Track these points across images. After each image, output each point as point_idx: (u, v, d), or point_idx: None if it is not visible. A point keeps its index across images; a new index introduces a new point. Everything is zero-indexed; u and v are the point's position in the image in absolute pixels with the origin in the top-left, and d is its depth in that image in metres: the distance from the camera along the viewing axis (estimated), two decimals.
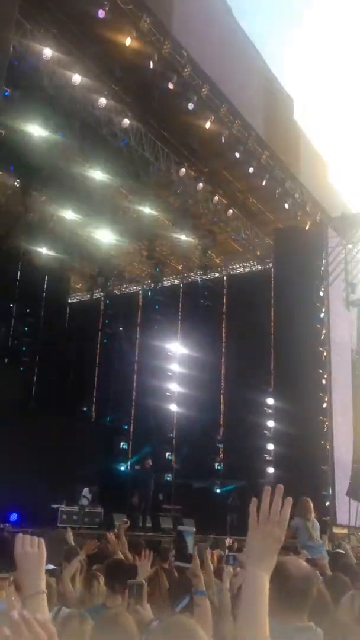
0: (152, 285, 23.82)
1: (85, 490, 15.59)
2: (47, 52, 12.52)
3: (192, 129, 15.35)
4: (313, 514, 8.49)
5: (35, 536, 1.86)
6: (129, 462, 22.02)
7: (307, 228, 18.97)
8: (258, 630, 1.61)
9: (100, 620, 3.11)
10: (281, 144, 16.96)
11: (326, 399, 17.89)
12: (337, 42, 46.05)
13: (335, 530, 16.43)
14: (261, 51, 17.02)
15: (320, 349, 18.19)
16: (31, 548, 1.81)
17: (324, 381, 18.01)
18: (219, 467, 21.13)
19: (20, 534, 1.86)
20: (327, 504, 16.63)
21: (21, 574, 1.80)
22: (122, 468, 21.86)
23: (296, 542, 8.38)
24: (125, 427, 23.06)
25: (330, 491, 17.02)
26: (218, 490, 20.44)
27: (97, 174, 16.14)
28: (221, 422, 21.68)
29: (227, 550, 8.63)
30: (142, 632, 2.70)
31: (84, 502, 15.25)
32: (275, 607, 2.51)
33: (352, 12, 41.46)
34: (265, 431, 19.89)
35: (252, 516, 1.71)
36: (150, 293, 24.11)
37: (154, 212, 18.21)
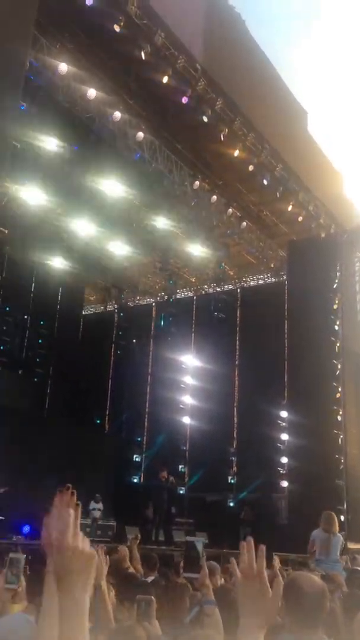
0: (166, 298, 23.86)
1: (92, 504, 15.54)
2: (63, 67, 12.69)
3: (206, 142, 15.43)
4: (337, 529, 8.18)
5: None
6: (141, 473, 21.98)
7: (321, 240, 18.92)
8: None
9: (115, 631, 3.08)
10: (295, 157, 16.97)
11: (340, 412, 17.73)
12: (350, 54, 46.16)
13: (350, 545, 16.20)
14: (275, 64, 17.14)
15: (335, 361, 18.06)
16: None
17: (338, 394, 17.86)
18: (233, 481, 20.97)
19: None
20: (342, 518, 16.41)
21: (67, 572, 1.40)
22: (135, 480, 21.80)
23: (309, 559, 8.21)
24: (139, 439, 23.01)
25: (345, 505, 16.82)
26: (231, 504, 20.29)
27: (112, 187, 16.25)
28: (235, 435, 21.55)
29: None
30: None
31: (96, 514, 15.21)
32: (289, 623, 2.49)
33: None
34: (279, 444, 19.74)
35: (236, 575, 1.61)
36: (163, 305, 24.14)
37: (167, 225, 18.27)
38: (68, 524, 1.44)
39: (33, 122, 13.64)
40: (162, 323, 23.81)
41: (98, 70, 13.69)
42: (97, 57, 13.54)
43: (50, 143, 14.55)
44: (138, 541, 6.84)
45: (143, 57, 12.62)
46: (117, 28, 12.06)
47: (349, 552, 14.06)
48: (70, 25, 12.79)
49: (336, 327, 18.37)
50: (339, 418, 17.70)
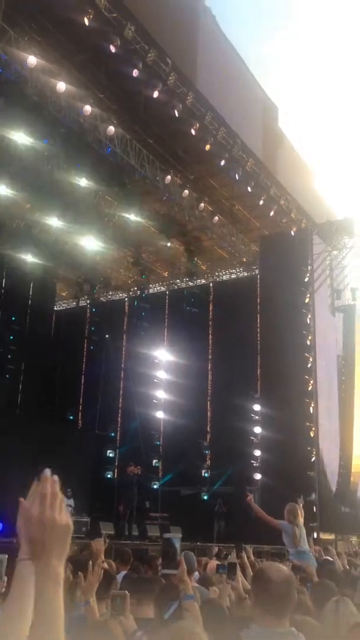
0: (139, 293, 23.80)
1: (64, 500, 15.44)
2: (32, 59, 12.51)
3: (178, 136, 15.41)
4: (301, 520, 8.31)
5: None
6: (114, 468, 21.95)
7: (292, 234, 19.08)
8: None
9: (90, 625, 3.08)
10: (266, 151, 17.07)
11: (312, 405, 17.95)
12: (320, 50, 46.56)
13: (322, 536, 16.43)
14: (245, 59, 17.14)
15: (306, 354, 18.26)
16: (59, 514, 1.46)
17: (310, 387, 18.07)
18: (206, 475, 21.08)
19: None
20: (314, 509, 16.64)
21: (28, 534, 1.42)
22: (109, 476, 21.75)
23: (284, 549, 8.32)
24: (112, 434, 22.95)
25: (317, 497, 17.04)
26: (205, 497, 20.38)
27: (83, 181, 16.12)
28: (208, 429, 21.66)
29: (215, 558, 8.61)
30: None
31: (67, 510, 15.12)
32: (257, 613, 2.51)
33: (334, 21, 41.94)
34: (252, 437, 19.89)
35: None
36: (136, 300, 24.09)
37: (139, 219, 18.21)
38: (46, 497, 1.50)
39: (1, 116, 13.45)
40: (134, 318, 23.77)
41: (68, 63, 13.54)
42: (66, 50, 13.39)
43: (19, 137, 14.36)
44: (106, 545, 6.80)
45: (113, 50, 12.52)
46: (86, 21, 11.94)
47: (321, 542, 14.27)
48: (38, 17, 12.61)
49: (307, 321, 18.58)
50: (311, 410, 17.92)
